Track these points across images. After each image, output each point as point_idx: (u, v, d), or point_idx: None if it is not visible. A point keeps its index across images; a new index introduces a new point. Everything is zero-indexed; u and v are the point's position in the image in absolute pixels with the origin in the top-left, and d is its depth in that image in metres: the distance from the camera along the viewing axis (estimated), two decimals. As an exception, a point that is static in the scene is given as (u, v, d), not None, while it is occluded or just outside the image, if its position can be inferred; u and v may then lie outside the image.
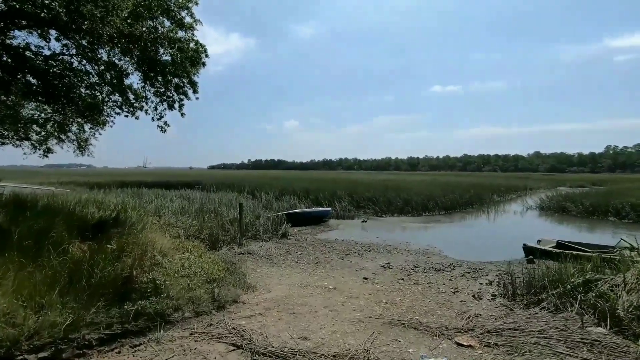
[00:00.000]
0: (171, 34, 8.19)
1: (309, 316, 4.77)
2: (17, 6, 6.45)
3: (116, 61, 8.36)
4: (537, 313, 4.93)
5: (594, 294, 4.96)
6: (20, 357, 3.11)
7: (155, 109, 8.71)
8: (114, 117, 9.36)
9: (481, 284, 6.88)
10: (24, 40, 7.90)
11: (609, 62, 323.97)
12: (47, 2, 6.33)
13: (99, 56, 8.25)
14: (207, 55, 9.21)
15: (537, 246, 9.63)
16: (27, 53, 7.83)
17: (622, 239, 9.19)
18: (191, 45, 8.62)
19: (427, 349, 3.81)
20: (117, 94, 8.80)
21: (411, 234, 13.47)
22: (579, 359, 3.55)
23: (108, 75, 8.55)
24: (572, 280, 5.34)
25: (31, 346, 3.19)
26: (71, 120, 9.50)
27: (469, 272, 7.72)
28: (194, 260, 6.09)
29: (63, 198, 9.74)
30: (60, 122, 9.35)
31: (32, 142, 9.40)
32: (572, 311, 4.82)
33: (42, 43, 8.06)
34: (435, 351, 3.77)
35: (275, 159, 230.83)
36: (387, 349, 3.81)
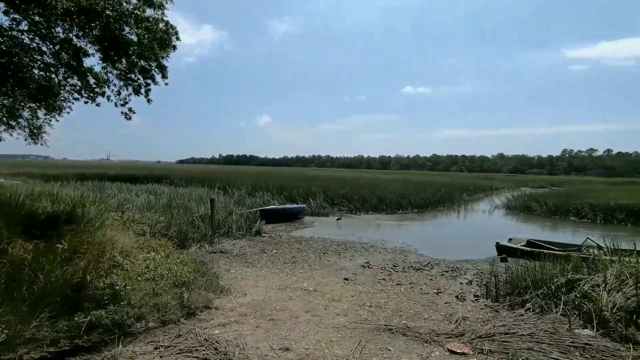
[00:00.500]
0: (138, 12, 7.43)
1: (289, 323, 4.37)
2: None
3: (74, 38, 7.48)
4: (522, 315, 4.82)
5: (577, 295, 4.93)
6: None
7: (119, 93, 7.89)
8: (72, 103, 8.46)
9: (461, 283, 6.79)
10: None
11: (565, 72, 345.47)
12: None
13: (55, 34, 7.36)
14: (178, 38, 8.49)
15: (510, 245, 9.77)
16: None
17: (588, 238, 9.53)
18: (160, 25, 7.87)
19: (419, 358, 3.53)
20: (75, 77, 7.92)
21: (386, 231, 13.38)
22: (575, 365, 3.41)
23: (65, 56, 7.66)
24: (555, 280, 5.31)
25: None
26: (22, 104, 8.49)
27: (447, 271, 7.64)
28: (160, 261, 5.49)
29: (12, 190, 8.67)
30: (10, 106, 8.33)
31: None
32: (557, 312, 4.76)
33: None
34: (428, 360, 3.51)
35: (248, 155, 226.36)
36: (377, 359, 3.50)
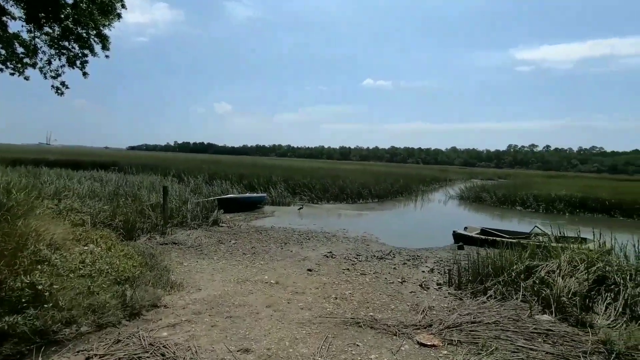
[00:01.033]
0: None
1: (249, 320, 3.99)
2: None
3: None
4: (485, 302, 4.84)
5: (535, 281, 5.06)
6: None
7: (49, 62, 6.85)
8: None
9: (423, 271, 6.80)
10: None
11: (512, 72, 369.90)
12: None
13: None
14: (124, 6, 7.55)
15: (466, 233, 10.07)
16: None
17: (536, 226, 10.13)
18: (102, -12, 6.92)
19: (389, 353, 3.34)
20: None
21: (347, 220, 13.32)
22: (540, 352, 3.41)
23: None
24: (514, 267, 5.42)
25: None
26: None
27: (409, 260, 7.64)
28: (99, 254, 4.82)
29: None
30: None
31: None
32: (517, 299, 4.85)
33: None
34: (399, 355, 3.32)
35: (205, 142, 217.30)
36: (346, 357, 3.24)
